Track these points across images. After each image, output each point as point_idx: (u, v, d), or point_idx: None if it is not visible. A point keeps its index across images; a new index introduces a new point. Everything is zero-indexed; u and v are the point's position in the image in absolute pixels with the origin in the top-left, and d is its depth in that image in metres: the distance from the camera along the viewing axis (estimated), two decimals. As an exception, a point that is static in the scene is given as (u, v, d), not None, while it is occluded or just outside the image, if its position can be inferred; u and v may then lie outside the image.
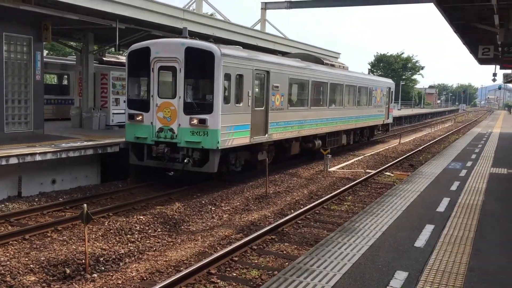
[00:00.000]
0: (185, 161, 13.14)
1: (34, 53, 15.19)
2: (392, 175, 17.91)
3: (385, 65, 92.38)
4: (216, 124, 12.93)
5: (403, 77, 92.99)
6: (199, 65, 13.19)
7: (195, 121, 13.01)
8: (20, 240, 9.05)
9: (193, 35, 14.96)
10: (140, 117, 13.67)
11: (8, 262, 7.75)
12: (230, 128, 13.43)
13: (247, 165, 15.63)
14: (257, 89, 15.08)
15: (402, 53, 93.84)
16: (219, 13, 26.62)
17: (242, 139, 14.13)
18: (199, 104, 13.27)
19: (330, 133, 21.24)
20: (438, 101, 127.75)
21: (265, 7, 30.09)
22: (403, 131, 40.35)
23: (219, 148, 13.06)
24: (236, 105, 13.77)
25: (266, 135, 15.49)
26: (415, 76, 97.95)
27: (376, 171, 18.10)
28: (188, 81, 13.42)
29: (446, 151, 21.50)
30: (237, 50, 14.55)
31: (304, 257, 6.62)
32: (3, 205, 11.36)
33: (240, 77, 13.85)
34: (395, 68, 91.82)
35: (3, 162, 11.16)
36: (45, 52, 38.95)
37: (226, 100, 13.35)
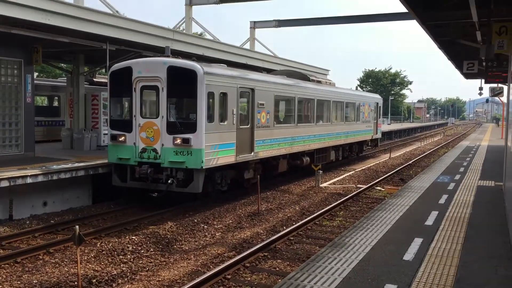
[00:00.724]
0: (169, 181, 12.90)
1: (24, 76, 15.29)
2: (383, 189, 18.07)
3: (373, 80, 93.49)
4: (200, 143, 12.76)
5: (392, 92, 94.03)
6: (182, 84, 13.03)
7: (178, 141, 12.84)
8: (12, 264, 9.04)
9: (182, 54, 15.16)
10: (123, 137, 13.50)
11: (0, 286, 7.74)
12: (214, 147, 13.27)
13: (234, 184, 15.49)
14: (242, 107, 15.02)
15: (390, 69, 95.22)
16: (208, 33, 26.95)
17: (228, 157, 13.96)
18: (183, 124, 13.15)
19: (319, 150, 21.11)
20: (427, 115, 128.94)
21: (254, 26, 30.50)
22: (393, 145, 40.66)
23: (204, 167, 12.85)
24: (221, 123, 13.61)
25: (252, 153, 15.29)
26: (403, 91, 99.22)
27: (367, 186, 18.26)
28: (171, 100, 13.28)
29: (435, 165, 21.73)
30: (221, 68, 14.45)
31: (295, 273, 6.71)
32: (-6, 229, 11.34)
33: (224, 95, 13.74)
34: (384, 83, 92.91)
35: (-6, 186, 11.17)
36: (36, 74, 39.07)
37: (210, 118, 13.17)
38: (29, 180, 12.06)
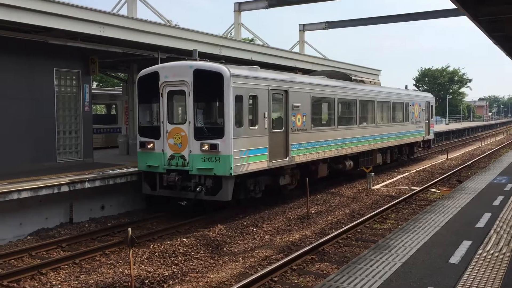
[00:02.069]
0: (198, 189, 12.48)
1: (82, 86, 16.11)
2: (438, 191, 17.59)
3: (430, 79, 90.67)
4: (228, 149, 12.26)
5: (450, 90, 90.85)
6: (208, 87, 12.65)
7: (206, 147, 12.40)
8: (70, 264, 9.57)
9: (230, 60, 15.45)
10: (151, 144, 13.22)
11: (59, 286, 8.23)
12: (244, 152, 12.72)
13: (270, 190, 14.98)
14: (275, 110, 14.43)
15: (448, 67, 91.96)
16: (257, 38, 27.24)
17: (259, 163, 13.36)
18: (210, 129, 12.74)
19: (363, 153, 20.16)
20: (489, 114, 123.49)
21: (303, 29, 30.51)
22: (451, 146, 39.38)
23: (233, 174, 12.33)
24: (251, 128, 13.05)
25: (287, 158, 14.63)
26: (462, 89, 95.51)
27: (421, 188, 17.84)
28: (198, 104, 12.87)
29: (493, 166, 20.90)
30: (250, 70, 13.80)
31: (335, 275, 6.73)
32: (55, 231, 12.03)
33: (254, 98, 13.24)
34: (441, 82, 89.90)
35: (56, 190, 11.86)
36: (95, 83, 40.95)
37: (239, 123, 12.63)
38: (87, 185, 12.70)
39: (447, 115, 79.37)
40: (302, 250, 9.84)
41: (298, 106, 15.15)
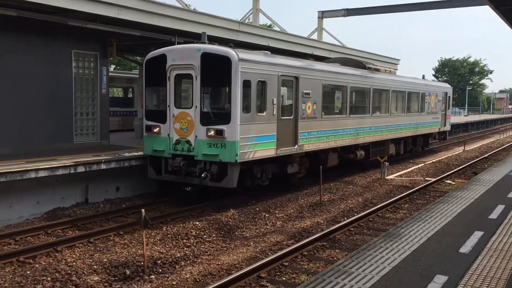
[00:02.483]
0: (203, 175, 12.33)
1: (100, 68, 16.26)
2: (453, 183, 17.47)
3: (450, 70, 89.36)
4: (234, 135, 12.01)
5: (470, 82, 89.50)
6: (216, 71, 12.38)
7: (212, 132, 12.18)
8: (85, 243, 9.77)
9: (247, 46, 15.38)
10: (157, 128, 13.05)
11: (74, 263, 8.41)
12: (251, 139, 12.48)
13: (276, 178, 14.74)
14: (284, 97, 14.13)
15: (469, 57, 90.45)
16: (275, 24, 27.11)
17: (267, 151, 13.12)
18: (216, 114, 12.51)
19: (375, 143, 19.77)
20: (510, 106, 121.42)
21: (322, 15, 30.29)
22: (469, 138, 38.95)
23: (238, 161, 12.12)
24: (259, 114, 12.76)
25: (295, 146, 14.34)
26: (483, 81, 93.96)
27: (436, 179, 17.75)
28: (205, 89, 12.63)
29: (510, 158, 20.66)
30: (259, 54, 13.51)
31: (345, 259, 6.78)
32: (71, 211, 12.26)
33: (262, 83, 12.89)
34: (461, 73, 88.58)
35: (72, 171, 12.06)
36: (112, 66, 41.22)
37: (246, 109, 12.36)
38: (103, 166, 12.87)
39: (466, 107, 78.28)
40: (313, 237, 9.91)
41: (308, 94, 14.80)
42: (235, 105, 12.04)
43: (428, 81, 27.05)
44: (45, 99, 14.52)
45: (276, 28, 26.65)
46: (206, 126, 12.30)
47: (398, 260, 6.83)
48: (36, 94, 14.26)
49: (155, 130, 13.11)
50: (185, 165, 12.52)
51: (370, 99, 19.20)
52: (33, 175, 11.15)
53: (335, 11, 30.89)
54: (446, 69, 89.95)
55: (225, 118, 12.16)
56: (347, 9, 30.27)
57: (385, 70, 21.79)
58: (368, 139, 19.01)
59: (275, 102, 13.25)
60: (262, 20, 31.95)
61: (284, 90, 14.02)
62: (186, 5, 19.09)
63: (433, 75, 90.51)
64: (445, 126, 28.12)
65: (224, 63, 12.07)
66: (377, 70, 20.70)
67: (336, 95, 17.67)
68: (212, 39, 17.53)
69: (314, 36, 29.02)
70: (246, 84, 12.30)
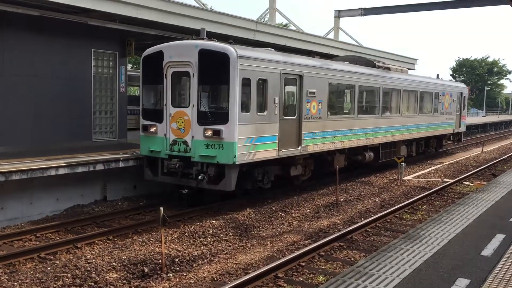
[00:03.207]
0: (200, 177, 11.78)
1: (119, 67, 16.38)
2: (472, 184, 17.26)
3: (468, 70, 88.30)
4: (232, 135, 11.47)
5: (489, 82, 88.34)
6: (213, 69, 11.85)
7: (209, 133, 11.64)
8: (104, 240, 9.87)
9: (264, 45, 15.28)
10: (154, 128, 12.56)
11: (93, 260, 8.49)
12: (250, 140, 11.94)
13: (280, 180, 14.23)
14: (287, 96, 13.53)
15: (487, 57, 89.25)
16: (292, 23, 27.05)
17: (268, 152, 12.55)
18: (214, 114, 11.90)
19: (385, 144, 19.05)
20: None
21: (338, 15, 30.17)
22: (487, 139, 38.47)
23: (237, 163, 11.57)
24: (259, 113, 12.22)
25: (299, 148, 13.77)
26: (501, 81, 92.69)
27: (454, 180, 17.54)
28: (202, 87, 12.07)
29: (531, 160, 20.32)
30: (259, 51, 12.92)
31: (365, 261, 6.75)
32: (90, 208, 12.39)
33: (263, 82, 12.34)
34: (480, 73, 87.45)
35: (91, 168, 12.19)
36: (130, 65, 41.50)
37: (246, 108, 11.85)
38: (121, 164, 12.97)
39: (484, 107, 77.31)
40: (330, 237, 9.88)
41: (313, 92, 14.17)
42: (233, 104, 11.48)
43: (442, 80, 26.19)
44: (65, 97, 14.67)
45: (292, 28, 26.62)
46: (204, 126, 11.77)
47: (419, 262, 6.78)
48: (56, 93, 14.42)
49: (151, 130, 12.64)
50: (181, 167, 12.04)
51: (379, 99, 18.50)
52: (53, 172, 11.28)
53: (351, 10, 30.73)
54: (464, 69, 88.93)
55: (223, 117, 11.61)
56: (364, 9, 30.08)
57: (397, 69, 21.02)
58: (377, 140, 18.36)
59: (277, 101, 12.74)
60: (278, 20, 31.94)
61: (287, 88, 13.41)
62: (203, 4, 19.18)
63: (451, 75, 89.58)
64: (459, 127, 27.21)
65: (222, 60, 11.51)
66: (388, 69, 20.01)
67: (343, 94, 17.10)
68: (229, 38, 17.74)
69: (331, 36, 28.91)
70: (246, 82, 11.78)
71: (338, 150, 16.06)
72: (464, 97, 27.81)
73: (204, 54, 11.77)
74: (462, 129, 27.93)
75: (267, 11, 25.84)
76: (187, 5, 15.97)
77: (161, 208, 8.34)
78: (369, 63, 19.10)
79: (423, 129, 22.39)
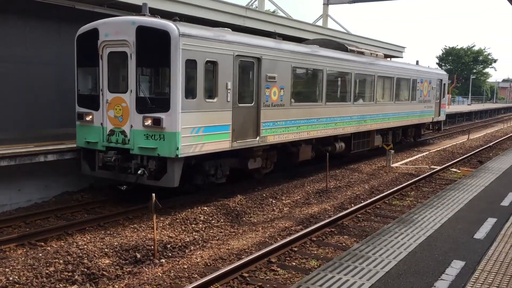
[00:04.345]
0: (139, 172, 10.52)
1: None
2: (459, 171, 17.45)
3: (454, 58, 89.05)
4: (174, 125, 10.18)
5: (474, 70, 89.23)
6: (153, 49, 10.50)
7: (149, 122, 10.36)
8: (95, 226, 9.79)
9: (253, 32, 15.08)
10: (90, 116, 11.23)
11: (85, 246, 8.41)
12: (197, 130, 10.69)
13: (237, 174, 13.21)
14: (242, 81, 12.13)
15: (473, 46, 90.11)
16: (281, 10, 26.91)
17: (219, 143, 11.35)
18: (154, 100, 10.58)
19: (358, 134, 17.92)
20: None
21: (327, 2, 30.06)
22: (473, 126, 38.90)
23: (180, 155, 10.34)
24: (208, 100, 10.92)
25: (257, 138, 12.53)
26: (487, 70, 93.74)
27: (442, 167, 17.71)
28: (141, 70, 10.78)
29: (517, 147, 20.59)
30: (208, 30, 11.51)
31: (360, 244, 6.79)
32: (79, 195, 12.25)
33: (213, 64, 11.00)
34: (465, 61, 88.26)
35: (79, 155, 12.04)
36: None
37: (191, 94, 10.51)
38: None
39: (470, 96, 78.14)
40: (321, 223, 9.93)
41: (274, 78, 12.91)
42: (175, 90, 10.15)
43: (420, 66, 24.87)
44: (55, 84, 14.42)
45: (282, 14, 26.49)
46: (143, 114, 10.44)
47: (414, 245, 6.85)
48: (46, 79, 14.16)
49: (87, 119, 11.29)
50: (119, 160, 10.78)
51: (351, 85, 17.17)
52: (42, 158, 11.11)
53: (340, -3, 30.65)
54: (450, 58, 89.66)
55: (164, 104, 10.28)
56: (353, -4, 30.03)
57: (371, 53, 19.49)
58: (349, 130, 17.12)
59: (229, 87, 11.44)
60: (268, 7, 31.75)
61: (242, 72, 12.09)
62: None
63: (437, 63, 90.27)
64: (439, 115, 25.99)
65: (162, 38, 10.14)
66: (361, 53, 18.60)
67: (310, 80, 15.75)
68: (218, 25, 17.56)
69: (320, 23, 28.83)
70: (190, 64, 10.41)
71: (304, 141, 14.93)
72: (444, 84, 26.66)
73: (143, 32, 10.39)
74: (442, 117, 26.87)
75: (255, -2, 25.67)
76: None
77: (153, 195, 8.28)
78: (341, 47, 17.78)
79: (399, 118, 21.22)
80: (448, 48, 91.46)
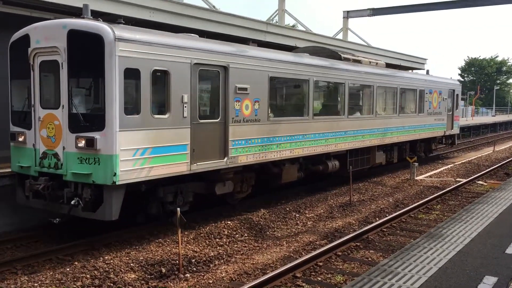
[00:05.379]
0: (73, 202, 8.87)
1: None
2: (485, 184, 17.13)
3: (476, 69, 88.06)
4: (111, 146, 8.58)
5: (498, 81, 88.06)
6: (86, 56, 9.00)
7: (82, 143, 8.75)
8: (121, 241, 9.85)
9: (274, 46, 15.12)
10: (22, 137, 9.69)
11: (111, 261, 8.49)
12: (142, 151, 9.02)
13: (208, 199, 11.73)
14: (204, 93, 10.73)
15: (496, 57, 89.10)
16: (301, 24, 27.01)
17: (173, 166, 9.65)
18: (87, 117, 8.96)
19: (355, 151, 16.08)
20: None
21: (347, 16, 30.11)
22: (498, 138, 38.24)
23: (118, 183, 8.62)
24: (157, 116, 9.29)
25: (225, 159, 10.85)
26: (510, 80, 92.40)
27: (467, 180, 17.42)
28: (74, 81, 9.21)
29: (545, 158, 20.14)
30: (156, 34, 9.75)
31: (389, 260, 6.69)
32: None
33: (163, 74, 9.44)
34: (488, 72, 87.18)
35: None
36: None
37: (133, 109, 8.94)
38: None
39: (494, 107, 76.96)
40: (346, 237, 9.84)
41: (245, 89, 11.33)
42: (111, 104, 8.58)
43: (429, 76, 23.10)
44: None
45: (301, 28, 26.59)
46: (76, 134, 8.88)
47: (444, 260, 6.71)
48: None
49: (19, 139, 9.74)
50: (50, 188, 9.15)
51: (345, 97, 15.39)
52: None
53: (360, 11, 30.66)
54: (473, 69, 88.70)
55: (98, 122, 8.69)
56: (373, 9, 30.00)
57: (370, 62, 17.81)
58: (343, 146, 15.28)
59: (186, 100, 9.83)
60: (288, 21, 31.94)
61: (203, 83, 10.59)
62: (213, 6, 19.18)
63: (459, 74, 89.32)
64: (452, 129, 23.78)
65: (95, 43, 8.62)
66: (358, 61, 16.87)
67: (293, 91, 14.14)
68: (239, 40, 17.68)
69: (340, 36, 28.84)
70: (131, 74, 8.87)
71: (289, 160, 13.24)
72: (457, 95, 24.37)
73: (74, 37, 8.91)
74: (455, 131, 24.55)
75: (276, 13, 25.84)
76: (195, 6, 15.71)
77: (178, 209, 8.32)
78: (334, 55, 16.11)
79: (405, 132, 19.20)
80: (470, 59, 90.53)
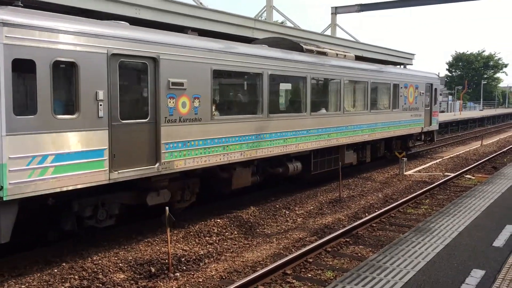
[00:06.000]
0: None
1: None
2: (473, 178, 17.27)
3: (464, 64, 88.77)
4: None
5: (485, 76, 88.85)
6: None
7: None
8: (109, 241, 9.77)
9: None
10: None
11: (100, 261, 8.42)
12: (41, 159, 7.58)
13: (138, 211, 10.42)
14: (126, 88, 9.10)
15: (483, 51, 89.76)
16: (289, 20, 27.03)
17: (87, 175, 8.21)
18: None
19: (320, 150, 14.80)
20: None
21: (335, 11, 30.16)
22: (486, 132, 38.56)
23: (7, 198, 7.16)
24: (61, 117, 7.87)
25: (156, 165, 9.44)
26: (498, 75, 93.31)
27: (455, 174, 17.55)
28: None
29: (532, 152, 20.35)
30: (61, 18, 8.25)
31: (378, 255, 6.71)
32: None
33: (69, 66, 8.01)
34: (476, 67, 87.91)
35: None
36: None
37: (26, 108, 7.60)
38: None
39: (481, 101, 77.68)
40: (336, 233, 9.85)
41: (181, 84, 9.97)
42: None
43: (404, 69, 22.07)
44: None
45: (289, 25, 26.57)
46: None
47: (432, 254, 6.75)
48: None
49: None
50: None
51: (306, 92, 14.04)
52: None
53: (348, 6, 30.70)
54: (460, 63, 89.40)
55: None
56: (361, 5, 30.06)
57: (337, 54, 16.43)
58: (306, 146, 13.96)
59: (101, 97, 8.44)
60: (276, 17, 31.92)
61: (126, 77, 9.14)
62: (200, 3, 19.07)
63: (447, 69, 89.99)
64: (430, 125, 22.56)
65: None
66: (323, 53, 15.55)
67: (243, 86, 12.91)
68: (227, 37, 17.64)
69: (328, 32, 28.87)
70: (23, 66, 7.47)
71: (240, 163, 11.88)
72: (435, 89, 23.15)
73: None
74: (434, 127, 23.29)
75: (264, 9, 25.81)
76: (180, 2, 15.41)
77: (167, 208, 8.27)
78: (295, 46, 14.74)
79: (377, 130, 17.93)
80: (458, 53, 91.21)
